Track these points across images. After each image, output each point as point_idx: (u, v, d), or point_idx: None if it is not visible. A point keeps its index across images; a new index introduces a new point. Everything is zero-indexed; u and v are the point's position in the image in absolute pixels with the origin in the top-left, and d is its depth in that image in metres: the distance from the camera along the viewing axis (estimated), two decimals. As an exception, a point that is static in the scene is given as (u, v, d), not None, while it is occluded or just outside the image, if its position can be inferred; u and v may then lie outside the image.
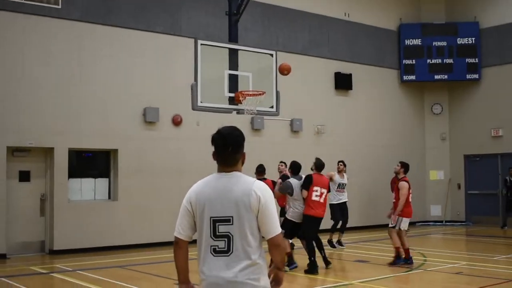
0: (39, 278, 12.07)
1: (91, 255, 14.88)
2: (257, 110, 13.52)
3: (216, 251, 3.91)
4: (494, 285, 10.33)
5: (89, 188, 16.31)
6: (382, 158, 21.75)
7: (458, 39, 22.93)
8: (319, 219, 12.24)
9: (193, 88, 12.93)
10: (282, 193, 12.34)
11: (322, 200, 12.20)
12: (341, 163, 16.51)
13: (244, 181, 3.99)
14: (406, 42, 23.17)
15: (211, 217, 3.94)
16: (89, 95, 15.89)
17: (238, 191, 3.93)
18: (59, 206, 15.34)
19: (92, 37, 16.11)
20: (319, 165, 12.64)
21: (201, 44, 13.24)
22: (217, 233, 3.91)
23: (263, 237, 3.99)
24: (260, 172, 13.74)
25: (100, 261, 14.02)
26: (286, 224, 11.98)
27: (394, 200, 13.13)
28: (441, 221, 23.23)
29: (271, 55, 14.65)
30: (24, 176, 15.35)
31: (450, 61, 22.92)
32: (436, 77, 22.99)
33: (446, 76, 22.96)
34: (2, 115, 14.68)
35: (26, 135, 14.96)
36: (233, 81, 13.73)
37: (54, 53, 15.50)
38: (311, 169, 12.78)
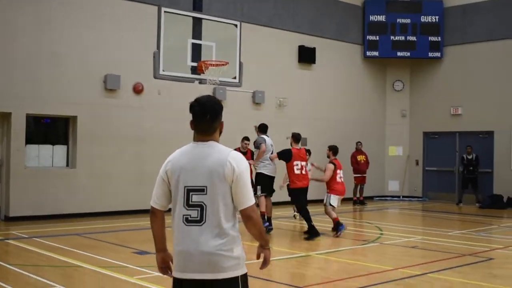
0: (-6, 244, 11.91)
1: (48, 223, 14.70)
2: (219, 81, 13.45)
3: (188, 221, 3.88)
4: (448, 259, 10.51)
5: (47, 155, 16.05)
6: (343, 132, 21.89)
7: (422, 16, 23.06)
8: (305, 189, 13.17)
9: (156, 56, 12.82)
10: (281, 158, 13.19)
11: (304, 172, 13.08)
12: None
13: (219, 151, 3.96)
14: (370, 18, 23.22)
15: (185, 186, 3.91)
16: (49, 60, 15.57)
17: (213, 161, 3.90)
18: (15, 172, 15.08)
19: (53, 1, 15.73)
20: (298, 139, 13.34)
21: (165, 12, 13.12)
22: (190, 203, 3.88)
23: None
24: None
25: (58, 228, 13.87)
26: (263, 180, 13.23)
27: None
28: (399, 196, 23.55)
29: (235, 25, 14.56)
30: (-20, 141, 15.05)
31: (413, 38, 23.07)
32: (399, 54, 23.12)
33: (408, 53, 23.11)
34: (-42, 78, 14.31)
35: (-17, 99, 14.63)
36: (196, 50, 13.65)
37: (13, 17, 15.10)
38: (290, 143, 13.29)
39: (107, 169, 16.36)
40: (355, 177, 21.03)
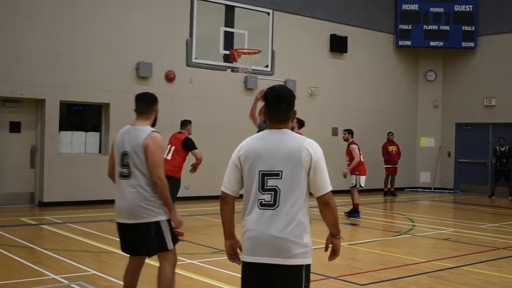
0: (29, 229, 12.07)
1: (80, 208, 14.88)
2: (251, 69, 13.42)
3: (262, 204, 3.89)
4: (481, 253, 10.40)
5: (79, 142, 16.22)
6: (374, 123, 21.76)
7: (455, 6, 22.74)
8: None
9: (188, 44, 12.82)
10: None
11: None
12: None
13: (295, 137, 4.01)
14: (403, 6, 22.96)
15: (259, 171, 3.93)
16: (83, 48, 15.69)
17: (289, 146, 3.93)
18: (49, 158, 15.27)
19: (87, -12, 15.83)
20: (303, 124, 13.35)
21: (198, 0, 13.07)
22: (265, 187, 3.90)
23: (311, 194, 3.97)
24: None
25: (90, 214, 14.02)
26: None
27: (348, 162, 14.65)
28: (430, 188, 23.35)
29: (268, 13, 14.49)
30: (15, 127, 15.25)
31: (447, 28, 22.77)
32: (432, 43, 22.85)
33: (441, 43, 22.83)
34: (-7, 65, 14.49)
35: (18, 86, 14.80)
36: (229, 38, 13.62)
37: (48, 5, 15.24)
38: (292, 128, 13.12)
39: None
40: (386, 168, 20.89)
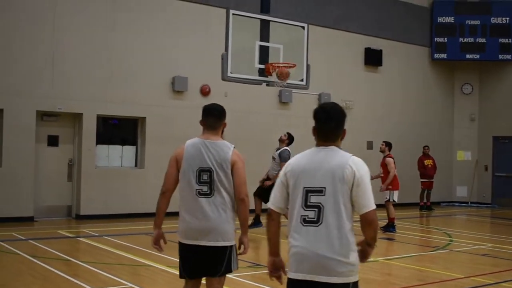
0: (66, 242, 12.21)
1: (117, 222, 15.01)
2: (286, 83, 13.43)
3: (305, 221, 3.88)
4: (521, 268, 10.21)
5: (116, 155, 16.40)
6: (410, 136, 21.58)
7: (491, 18, 22.51)
8: None
9: (224, 58, 12.89)
10: None
11: None
12: None
13: (341, 155, 3.96)
14: (438, 19, 22.79)
15: (304, 187, 3.92)
16: (119, 63, 15.90)
17: (333, 163, 3.90)
18: (86, 171, 15.45)
19: (125, 5, 16.06)
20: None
21: (233, 14, 13.17)
22: (308, 203, 3.88)
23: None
24: None
25: (126, 227, 14.13)
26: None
27: (382, 174, 14.63)
28: (467, 202, 23.04)
29: (303, 27, 14.50)
30: (53, 141, 15.48)
31: (483, 40, 22.53)
32: (468, 56, 22.62)
33: (478, 56, 22.59)
34: (33, 80, 14.75)
35: (56, 100, 15.04)
36: (264, 52, 13.66)
37: (87, 21, 15.49)
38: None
39: (174, 170, 16.52)
40: (422, 182, 20.68)
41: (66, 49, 15.19)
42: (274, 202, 4.10)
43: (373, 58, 21.07)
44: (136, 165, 16.61)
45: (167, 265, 9.58)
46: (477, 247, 12.70)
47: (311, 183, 3.90)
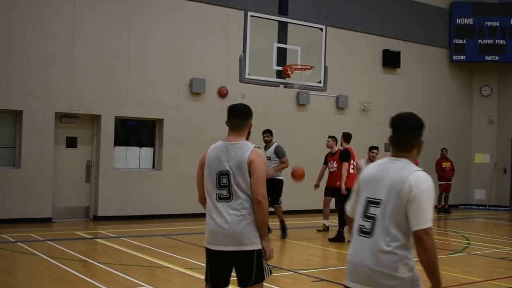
0: (84, 243, 12.28)
1: (134, 223, 15.07)
2: (305, 85, 13.42)
3: (361, 231, 3.86)
4: (541, 272, 10.11)
5: (134, 157, 16.47)
6: (428, 138, 21.25)
7: (511, 19, 22.32)
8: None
9: (241, 60, 12.89)
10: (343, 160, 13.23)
11: (356, 172, 13.17)
12: (375, 150, 14.15)
13: (406, 169, 3.83)
14: (457, 21, 22.66)
15: (366, 197, 3.90)
16: (137, 64, 15.97)
17: (395, 176, 3.80)
18: (104, 173, 15.54)
19: (143, 7, 16.14)
20: (350, 138, 13.61)
21: (251, 16, 13.17)
22: (367, 214, 3.85)
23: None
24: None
25: (144, 229, 14.18)
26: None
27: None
28: (485, 205, 22.86)
29: (321, 29, 14.47)
30: (71, 142, 15.57)
31: (502, 42, 22.36)
32: (487, 58, 22.47)
33: (497, 57, 22.42)
34: (52, 82, 14.86)
35: (75, 102, 15.13)
36: (282, 54, 13.65)
37: (105, 22, 15.58)
38: (340, 143, 13.35)
39: (192, 172, 16.43)
40: (439, 185, 20.55)
41: (85, 51, 15.28)
42: (348, 208, 4.14)
43: (391, 60, 20.99)
44: (153, 167, 16.67)
45: (184, 266, 9.60)
46: (495, 250, 12.59)
47: (372, 194, 3.86)
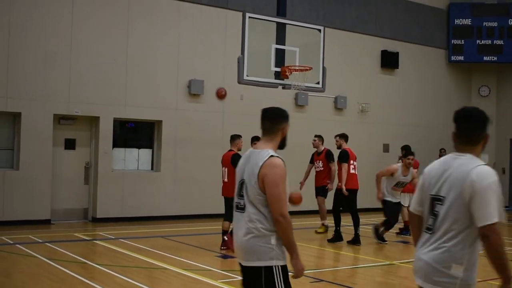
0: (82, 245, 12.28)
1: (133, 224, 15.08)
2: (304, 86, 13.42)
3: (426, 228, 3.89)
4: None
5: (132, 158, 16.47)
6: (426, 139, 21.45)
7: (509, 20, 22.34)
8: (357, 191, 13.21)
9: (240, 61, 12.88)
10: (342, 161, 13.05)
11: (356, 172, 13.20)
12: (411, 157, 13.11)
13: (468, 164, 3.78)
14: (455, 21, 22.68)
15: (430, 194, 3.90)
16: (136, 66, 15.97)
17: (458, 172, 3.77)
18: (103, 174, 15.53)
19: (142, 8, 16.14)
20: (347, 138, 13.44)
21: (249, 17, 13.16)
22: (433, 211, 3.85)
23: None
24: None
25: (142, 230, 14.19)
26: None
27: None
28: (484, 205, 22.82)
29: (319, 30, 14.47)
30: (70, 144, 15.57)
31: (500, 42, 22.37)
32: (485, 58, 22.48)
33: (495, 58, 22.44)
34: (50, 84, 14.86)
35: (73, 104, 15.13)
36: (280, 55, 13.63)
37: (103, 24, 15.58)
38: (339, 145, 13.35)
39: (190, 173, 16.62)
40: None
41: (83, 53, 15.28)
42: (412, 203, 4.11)
43: (389, 61, 21.01)
44: (152, 168, 16.67)
45: (183, 268, 9.61)
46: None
47: (436, 190, 3.86)
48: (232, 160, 11.38)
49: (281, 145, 4.66)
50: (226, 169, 11.72)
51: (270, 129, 4.62)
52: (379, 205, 19.27)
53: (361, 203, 19.33)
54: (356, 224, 12.76)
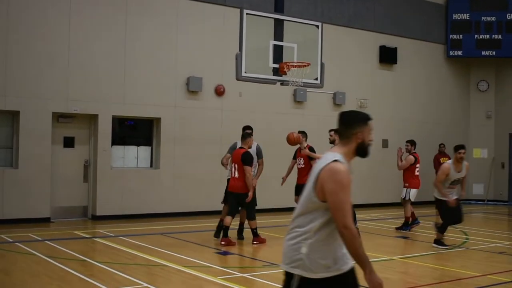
0: (82, 242, 12.28)
1: (132, 222, 15.09)
2: (302, 82, 13.41)
3: None
4: (539, 266, 10.13)
5: (131, 156, 16.48)
6: (426, 134, 21.46)
7: (508, 14, 22.32)
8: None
9: (238, 58, 12.87)
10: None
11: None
12: (462, 150, 12.35)
13: None
14: (453, 16, 22.66)
15: None
16: (134, 63, 15.97)
17: None
18: (102, 172, 15.54)
19: (139, 6, 16.12)
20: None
21: (247, 14, 13.13)
22: None
23: None
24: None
25: (142, 228, 14.19)
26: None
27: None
28: (483, 200, 22.89)
29: (317, 26, 14.45)
30: (69, 142, 15.56)
31: (499, 37, 22.36)
32: (484, 53, 22.47)
33: (494, 52, 22.42)
34: (49, 82, 14.85)
35: (72, 101, 15.13)
36: (278, 52, 13.61)
37: (101, 21, 15.57)
38: (333, 141, 12.97)
39: (189, 170, 16.63)
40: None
41: (81, 51, 15.27)
42: None
43: (388, 56, 21.00)
44: (151, 166, 16.68)
45: (182, 264, 9.62)
46: (493, 245, 12.62)
47: None
48: (243, 158, 11.76)
49: (359, 152, 4.18)
50: (236, 165, 11.91)
51: (343, 134, 4.23)
52: (375, 200, 19.67)
53: (360, 198, 19.46)
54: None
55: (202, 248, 11.51)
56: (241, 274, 9.13)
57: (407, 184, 14.44)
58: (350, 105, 19.85)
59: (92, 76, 15.39)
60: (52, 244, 11.56)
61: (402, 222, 14.60)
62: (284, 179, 13.48)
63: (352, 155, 4.15)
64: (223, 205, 12.70)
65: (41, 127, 14.77)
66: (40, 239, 12.18)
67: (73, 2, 15.22)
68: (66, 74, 15.07)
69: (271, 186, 15.36)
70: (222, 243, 11.64)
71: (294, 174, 13.17)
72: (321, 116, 18.74)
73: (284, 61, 13.38)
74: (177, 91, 16.63)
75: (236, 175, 11.87)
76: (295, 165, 13.30)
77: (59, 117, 15.33)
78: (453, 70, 23.16)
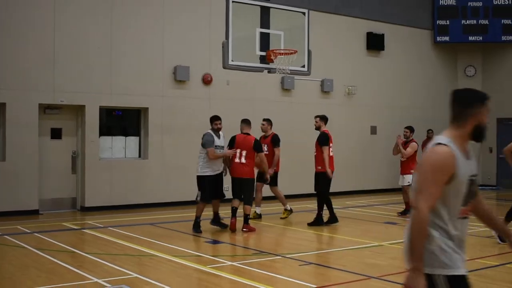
0: (71, 234, 12.23)
1: (122, 213, 15.05)
2: (289, 69, 13.39)
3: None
4: (527, 249, 10.17)
5: (119, 146, 16.40)
6: (413, 120, 21.44)
7: (494, -1, 22.39)
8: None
9: (224, 46, 12.85)
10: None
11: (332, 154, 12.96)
12: None
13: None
14: (440, 2, 22.65)
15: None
16: (120, 54, 15.86)
17: None
18: (90, 163, 15.46)
19: (123, -6, 16.01)
20: (327, 120, 13.25)
21: (233, 2, 13.11)
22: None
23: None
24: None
25: (131, 218, 14.17)
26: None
27: (402, 159, 14.60)
28: (472, 185, 22.94)
29: (303, 13, 14.43)
30: (56, 134, 15.47)
31: (485, 22, 22.38)
32: (471, 38, 22.49)
33: (480, 38, 22.46)
34: (35, 73, 14.73)
35: (58, 93, 15.02)
36: (265, 39, 13.60)
37: (87, 11, 15.44)
38: (318, 127, 13.02)
39: (178, 160, 16.57)
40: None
41: (66, 41, 15.15)
42: None
43: (375, 43, 20.97)
44: (139, 156, 16.62)
45: (172, 254, 9.61)
46: (482, 229, 12.64)
47: None
48: (254, 146, 11.94)
49: (476, 136, 3.84)
50: (245, 152, 11.92)
51: (457, 115, 3.84)
52: (364, 187, 19.70)
53: (349, 185, 19.48)
54: (329, 205, 12.82)
55: (191, 238, 11.51)
56: (230, 263, 9.13)
57: (412, 170, 14.05)
58: (338, 92, 19.86)
59: (79, 67, 15.28)
60: (41, 236, 11.52)
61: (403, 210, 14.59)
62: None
63: (467, 138, 3.82)
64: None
65: (28, 119, 14.66)
66: (28, 231, 12.13)
67: (58, -8, 15.09)
68: (52, 65, 14.95)
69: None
70: (244, 229, 11.88)
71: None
72: (309, 104, 18.72)
73: (271, 48, 13.38)
74: (164, 80, 16.55)
75: (243, 161, 11.90)
76: None
77: (46, 109, 15.23)
78: (440, 56, 23.19)
